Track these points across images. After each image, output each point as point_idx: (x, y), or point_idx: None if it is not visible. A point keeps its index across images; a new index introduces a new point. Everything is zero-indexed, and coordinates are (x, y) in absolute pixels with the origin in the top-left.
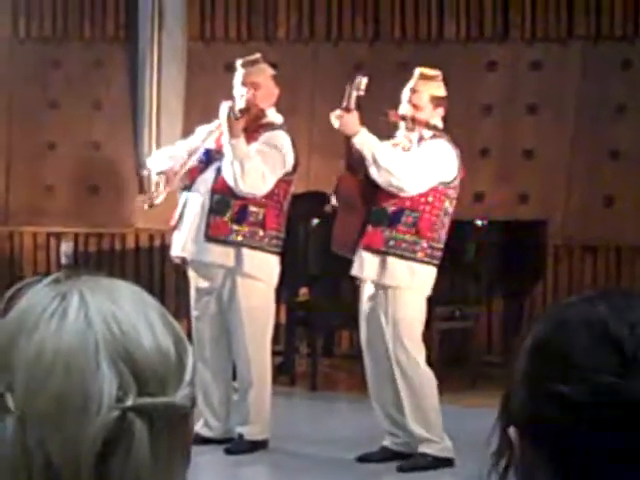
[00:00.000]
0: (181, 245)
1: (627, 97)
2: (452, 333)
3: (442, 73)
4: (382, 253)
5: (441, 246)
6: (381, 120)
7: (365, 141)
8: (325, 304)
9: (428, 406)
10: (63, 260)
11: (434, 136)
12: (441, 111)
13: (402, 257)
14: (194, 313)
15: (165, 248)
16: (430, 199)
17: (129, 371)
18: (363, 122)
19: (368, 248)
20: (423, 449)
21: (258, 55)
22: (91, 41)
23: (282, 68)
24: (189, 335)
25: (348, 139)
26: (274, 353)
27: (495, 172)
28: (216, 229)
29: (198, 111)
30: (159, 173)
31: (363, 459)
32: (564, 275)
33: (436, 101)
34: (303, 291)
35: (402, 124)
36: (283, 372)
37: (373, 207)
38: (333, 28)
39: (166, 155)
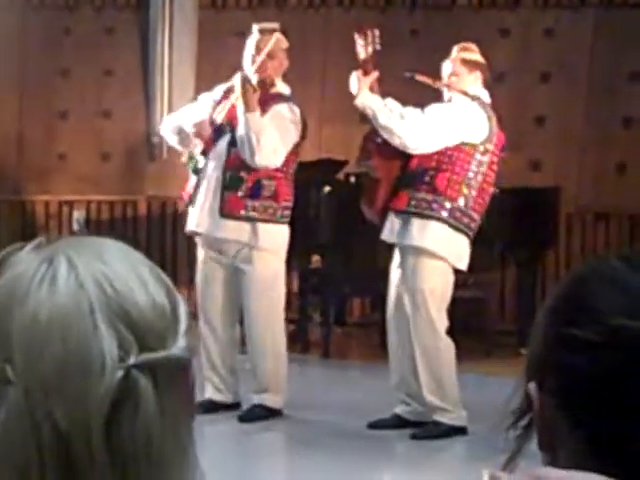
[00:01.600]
0: (196, 221)
1: None
2: (465, 301)
3: (454, 40)
4: (404, 213)
5: (471, 213)
6: (407, 77)
7: (366, 102)
8: (337, 272)
9: (444, 376)
10: (75, 228)
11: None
12: (478, 75)
13: (421, 216)
14: (200, 279)
15: (177, 215)
16: (453, 158)
17: (127, 329)
18: (380, 83)
19: (394, 210)
20: (437, 417)
21: (277, 24)
22: (102, 8)
23: (293, 35)
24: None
25: None
26: (287, 321)
27: (508, 140)
28: (231, 206)
29: (209, 78)
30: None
31: (374, 426)
32: (577, 243)
33: (469, 65)
34: (315, 259)
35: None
36: (296, 340)
37: (405, 171)
38: None
39: (180, 121)
